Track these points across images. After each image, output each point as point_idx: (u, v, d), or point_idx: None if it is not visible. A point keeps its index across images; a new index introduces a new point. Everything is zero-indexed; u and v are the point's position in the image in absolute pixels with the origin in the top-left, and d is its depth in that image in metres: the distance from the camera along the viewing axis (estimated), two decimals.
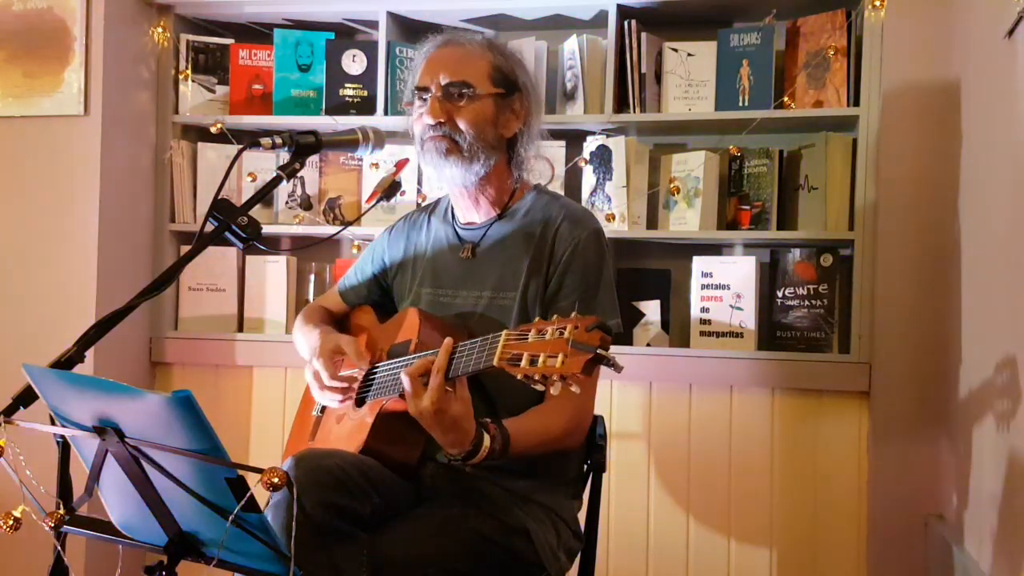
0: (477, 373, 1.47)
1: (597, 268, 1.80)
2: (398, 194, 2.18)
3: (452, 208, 1.95)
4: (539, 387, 1.35)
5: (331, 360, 1.82)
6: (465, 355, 1.49)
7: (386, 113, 2.78)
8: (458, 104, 1.79)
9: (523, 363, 1.35)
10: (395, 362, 1.72)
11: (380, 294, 2.05)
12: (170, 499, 1.27)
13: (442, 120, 1.79)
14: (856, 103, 2.51)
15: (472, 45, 1.85)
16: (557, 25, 2.82)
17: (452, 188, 1.89)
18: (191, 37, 2.92)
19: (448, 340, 1.52)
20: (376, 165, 2.83)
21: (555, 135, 2.74)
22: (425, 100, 1.81)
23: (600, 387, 1.87)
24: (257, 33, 3.00)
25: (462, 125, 1.79)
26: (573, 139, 2.74)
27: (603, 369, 1.85)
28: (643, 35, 2.63)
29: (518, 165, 1.87)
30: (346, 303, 2.10)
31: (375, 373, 1.80)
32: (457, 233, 1.92)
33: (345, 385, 1.80)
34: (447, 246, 1.92)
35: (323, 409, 1.92)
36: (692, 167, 2.61)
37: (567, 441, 1.77)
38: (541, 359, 1.33)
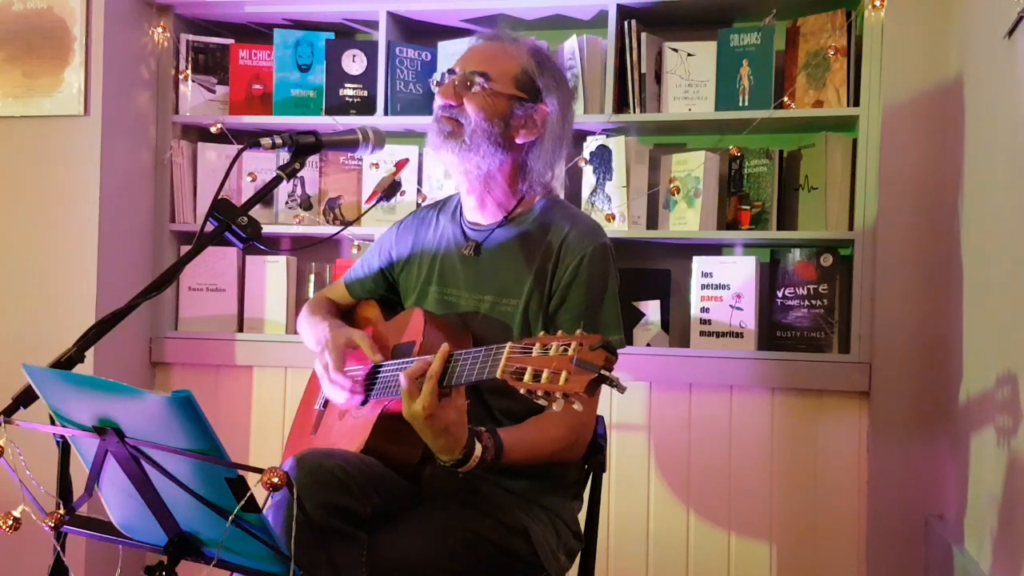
0: (479, 383, 1.46)
1: (602, 282, 1.78)
2: (398, 194, 2.18)
3: (461, 207, 1.95)
4: (541, 402, 1.33)
5: (343, 354, 1.81)
6: (468, 364, 1.48)
7: (386, 113, 2.78)
8: (472, 91, 1.79)
9: (526, 378, 1.33)
10: (399, 362, 1.72)
11: (386, 288, 2.04)
12: (170, 499, 1.27)
13: (452, 103, 1.79)
14: (856, 103, 2.51)
15: (513, 46, 1.84)
16: (557, 25, 2.82)
17: (459, 182, 1.89)
18: (191, 37, 2.92)
19: (444, 346, 1.51)
20: (376, 165, 2.83)
21: None
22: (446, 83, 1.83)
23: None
24: (257, 33, 3.00)
25: (469, 110, 1.78)
26: (573, 139, 2.73)
27: None
28: (643, 35, 2.63)
29: (525, 175, 1.85)
30: (352, 296, 2.09)
31: (379, 372, 1.79)
32: (464, 231, 1.92)
33: (351, 383, 1.79)
34: (453, 244, 1.91)
35: (326, 403, 1.92)
36: (692, 167, 2.61)
37: (565, 454, 1.77)
38: (544, 375, 1.31)
